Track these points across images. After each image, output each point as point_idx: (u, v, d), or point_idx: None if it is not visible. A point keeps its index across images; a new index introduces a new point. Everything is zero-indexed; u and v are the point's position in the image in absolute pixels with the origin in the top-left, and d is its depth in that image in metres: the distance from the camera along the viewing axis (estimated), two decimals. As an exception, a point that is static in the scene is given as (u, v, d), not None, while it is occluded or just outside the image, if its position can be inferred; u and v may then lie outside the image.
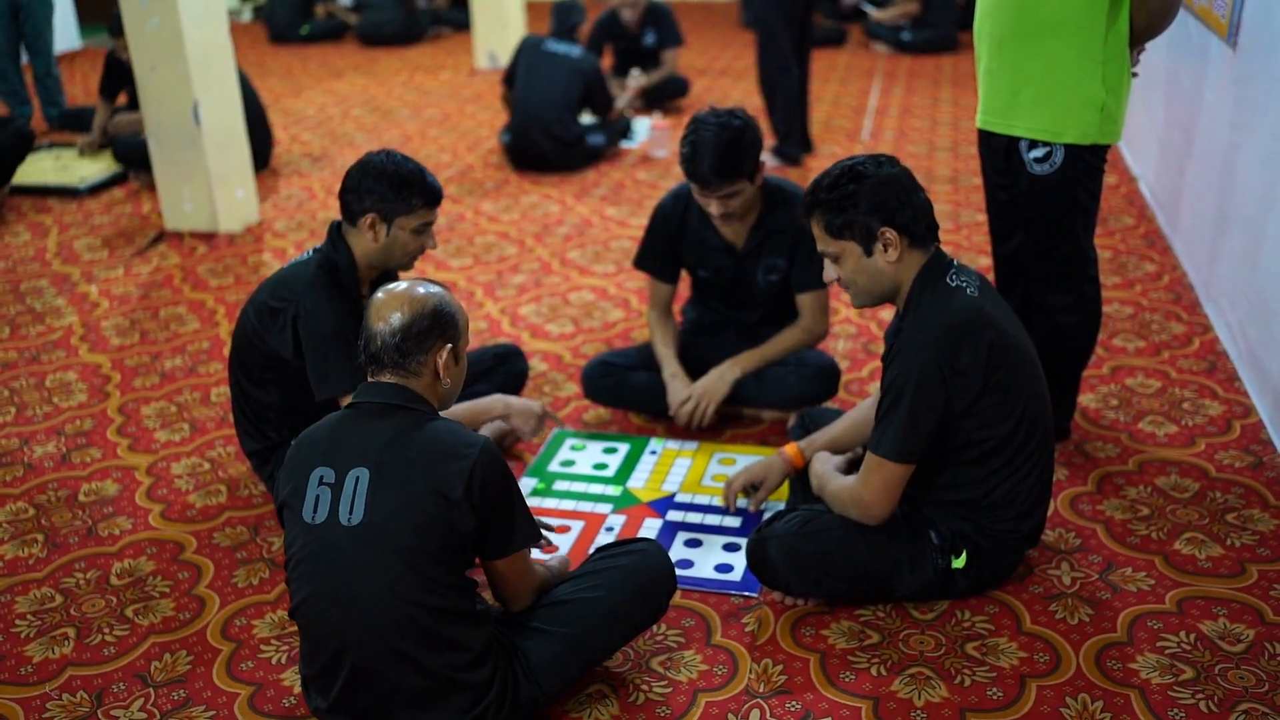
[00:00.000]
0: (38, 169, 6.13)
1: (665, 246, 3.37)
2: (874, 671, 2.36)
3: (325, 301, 2.73)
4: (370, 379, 2.13)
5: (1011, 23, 2.85)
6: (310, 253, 2.85)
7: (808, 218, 2.47)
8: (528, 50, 5.99)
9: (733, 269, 3.32)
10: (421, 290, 2.14)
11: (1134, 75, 2.96)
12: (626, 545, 2.42)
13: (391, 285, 2.16)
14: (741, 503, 2.93)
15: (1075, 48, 2.78)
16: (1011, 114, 2.91)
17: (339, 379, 2.71)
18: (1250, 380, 3.38)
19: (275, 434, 2.92)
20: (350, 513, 2.02)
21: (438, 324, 2.12)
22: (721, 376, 3.22)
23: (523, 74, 5.91)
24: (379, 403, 2.10)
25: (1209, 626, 2.44)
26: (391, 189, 2.72)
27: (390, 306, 2.10)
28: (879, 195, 2.35)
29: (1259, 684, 2.27)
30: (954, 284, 2.40)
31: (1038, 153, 2.88)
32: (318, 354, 2.72)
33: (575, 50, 5.95)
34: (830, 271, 2.49)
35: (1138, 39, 2.84)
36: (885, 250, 2.39)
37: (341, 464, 2.05)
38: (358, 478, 2.03)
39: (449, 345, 2.14)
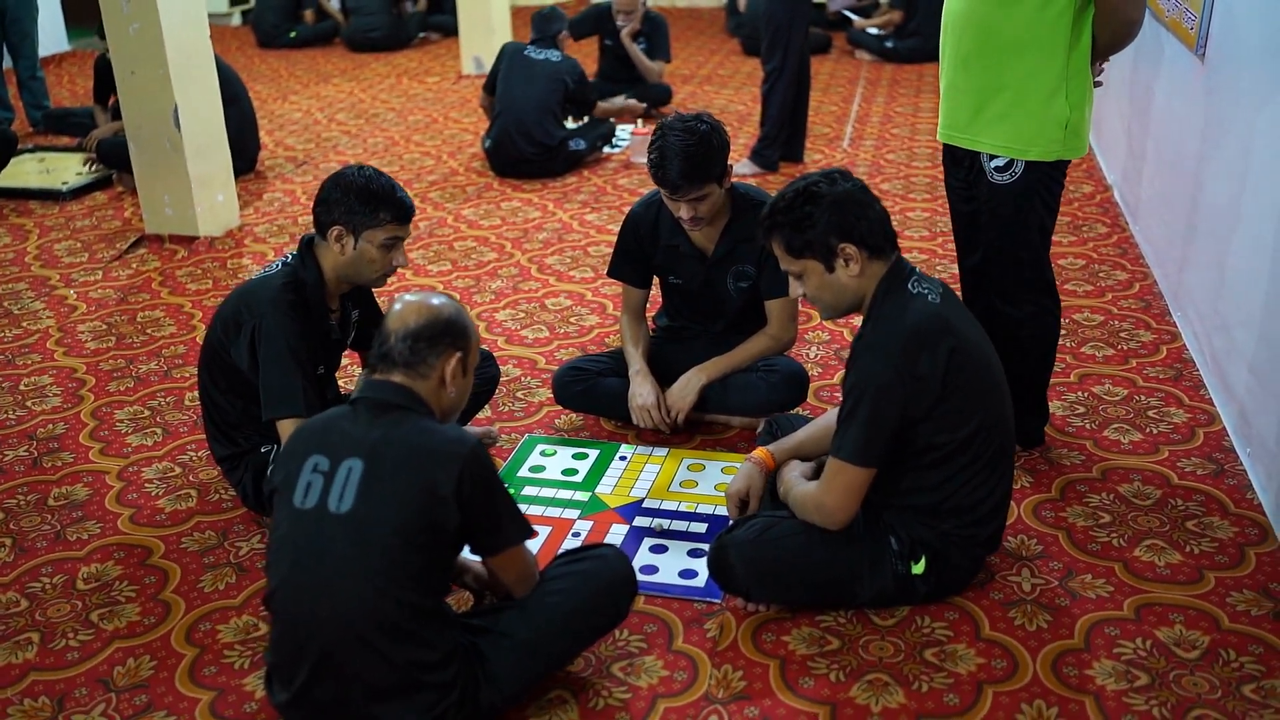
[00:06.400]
0: (20, 172, 6.15)
1: (637, 253, 3.40)
2: (833, 677, 2.38)
3: (285, 321, 2.75)
4: (378, 377, 2.18)
5: (975, 41, 2.87)
6: (279, 264, 2.87)
7: (767, 239, 2.51)
8: (508, 57, 6.01)
9: (703, 276, 3.34)
10: (438, 300, 2.23)
11: (1098, 85, 2.98)
12: (588, 551, 2.44)
13: (410, 294, 2.24)
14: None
15: (1039, 66, 2.80)
16: (975, 130, 2.92)
17: (289, 402, 2.73)
18: (1215, 388, 3.41)
19: (244, 440, 2.93)
20: (340, 500, 2.06)
21: (450, 331, 2.20)
22: (688, 383, 3.24)
23: (504, 80, 5.93)
24: (379, 400, 2.15)
25: (1165, 633, 2.46)
26: (360, 201, 2.76)
27: (409, 309, 2.19)
28: (836, 213, 2.39)
29: (1212, 690, 2.30)
30: (915, 290, 2.43)
31: (999, 162, 2.90)
32: (270, 375, 2.75)
33: (555, 55, 5.97)
34: (795, 288, 2.53)
35: (1101, 55, 2.86)
36: (847, 265, 2.42)
37: (337, 453, 2.10)
38: (351, 468, 2.07)
39: (459, 354, 2.21)
